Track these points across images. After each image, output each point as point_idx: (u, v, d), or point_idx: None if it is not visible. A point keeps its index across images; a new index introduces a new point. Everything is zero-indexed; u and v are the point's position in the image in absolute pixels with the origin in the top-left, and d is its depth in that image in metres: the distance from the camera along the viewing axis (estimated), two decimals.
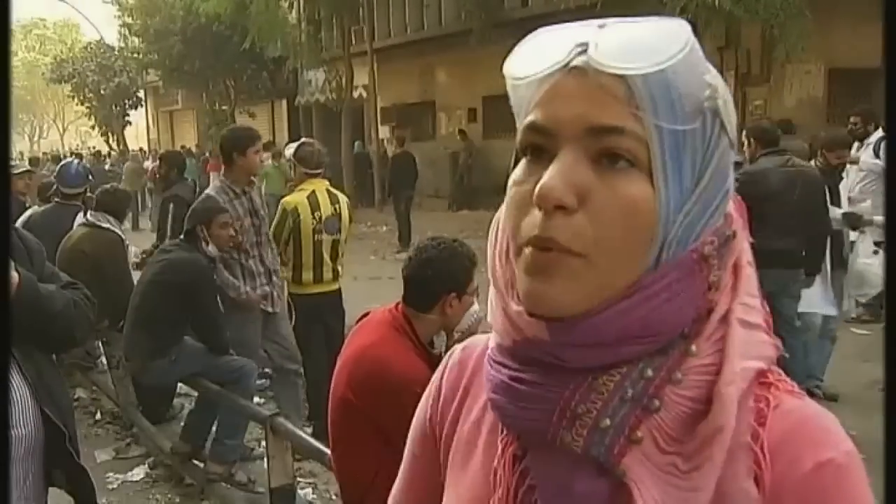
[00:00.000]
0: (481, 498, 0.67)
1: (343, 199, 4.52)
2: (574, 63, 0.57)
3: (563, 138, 0.57)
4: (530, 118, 0.60)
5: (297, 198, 4.32)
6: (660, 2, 8.98)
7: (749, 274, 0.63)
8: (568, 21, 0.61)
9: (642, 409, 0.58)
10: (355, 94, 17.30)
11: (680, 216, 0.58)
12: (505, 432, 0.66)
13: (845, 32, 9.96)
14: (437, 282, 2.03)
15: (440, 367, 0.81)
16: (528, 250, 0.58)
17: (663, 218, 0.57)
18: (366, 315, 2.18)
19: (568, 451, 0.59)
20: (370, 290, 7.84)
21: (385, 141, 17.08)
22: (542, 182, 0.56)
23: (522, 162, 0.61)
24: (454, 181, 16.10)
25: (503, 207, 0.64)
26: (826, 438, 0.59)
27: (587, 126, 0.56)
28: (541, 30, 0.61)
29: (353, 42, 17.11)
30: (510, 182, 0.61)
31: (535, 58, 0.59)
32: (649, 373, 0.58)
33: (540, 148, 0.59)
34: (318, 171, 4.41)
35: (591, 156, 0.57)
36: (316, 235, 4.27)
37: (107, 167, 18.64)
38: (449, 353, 0.81)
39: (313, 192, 4.32)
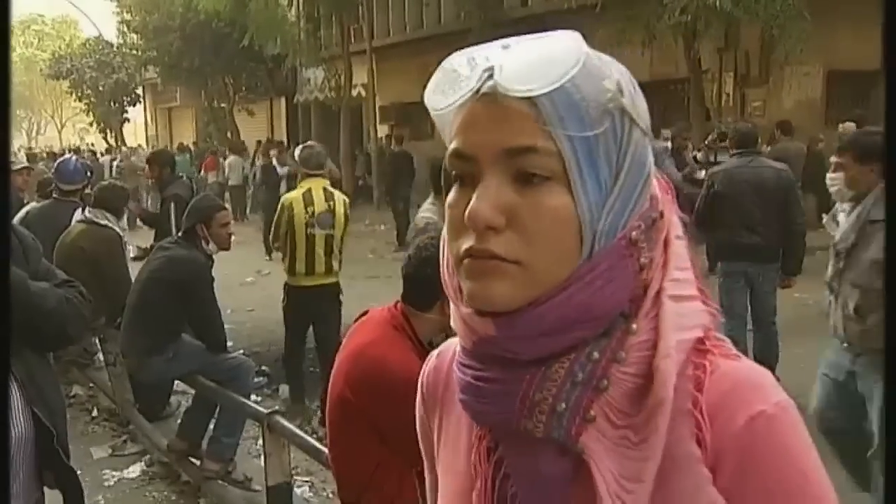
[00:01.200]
0: (466, 490, 0.72)
1: (339, 196, 4.75)
2: (483, 90, 0.62)
3: (484, 163, 0.62)
4: (453, 145, 0.65)
5: (293, 195, 4.68)
6: (660, 2, 8.99)
7: (677, 248, 0.67)
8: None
9: (593, 390, 0.63)
10: (354, 93, 17.30)
11: (604, 212, 0.63)
12: (477, 428, 0.71)
13: (844, 35, 9.97)
14: (437, 281, 2.02)
15: (420, 378, 0.85)
16: (467, 261, 0.63)
17: (587, 219, 0.62)
18: (364, 314, 2.18)
19: (532, 437, 0.64)
20: (368, 289, 7.84)
21: (383, 140, 17.07)
22: (470, 207, 0.61)
23: (454, 186, 0.66)
24: None
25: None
26: (757, 394, 0.63)
27: (501, 149, 0.61)
28: (453, 55, 0.66)
29: (353, 40, 17.10)
30: (447, 204, 0.66)
31: (448, 86, 0.65)
32: (595, 355, 0.63)
33: (466, 173, 0.64)
34: (318, 171, 4.72)
35: (512, 174, 0.62)
36: (308, 229, 4.55)
37: (117, 163, 18.32)
38: (426, 361, 0.85)
39: (309, 189, 4.64)
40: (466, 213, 0.62)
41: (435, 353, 0.85)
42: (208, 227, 3.80)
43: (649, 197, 0.66)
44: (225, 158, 17.23)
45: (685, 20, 8.94)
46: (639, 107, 0.65)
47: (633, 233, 0.64)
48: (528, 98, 0.60)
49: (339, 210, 4.67)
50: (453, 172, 0.66)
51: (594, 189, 0.62)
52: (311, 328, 4.94)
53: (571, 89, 0.60)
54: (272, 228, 4.85)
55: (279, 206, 4.72)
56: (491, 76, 0.61)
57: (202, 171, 17.70)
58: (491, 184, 0.62)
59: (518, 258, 0.61)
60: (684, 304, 0.65)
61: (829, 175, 3.11)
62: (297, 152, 5.04)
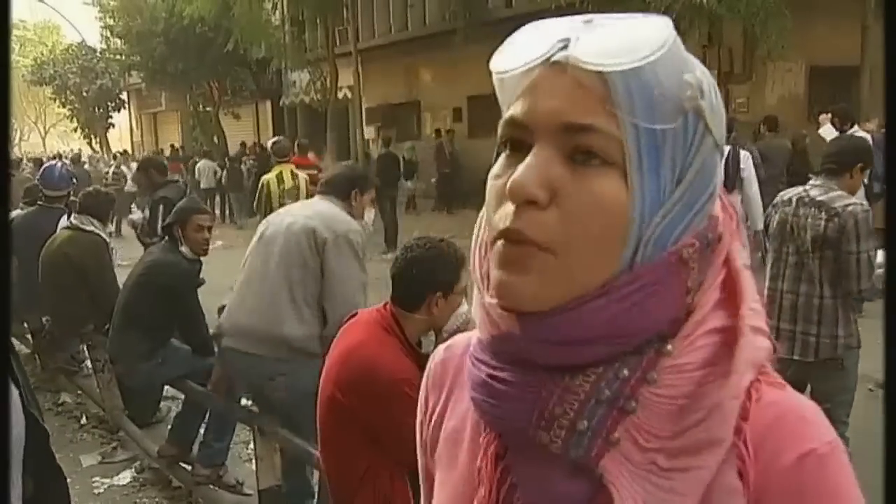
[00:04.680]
0: (467, 496, 0.67)
1: (302, 176, 6.47)
2: (555, 58, 0.57)
3: (539, 133, 0.57)
4: (510, 112, 0.60)
5: (269, 177, 6.43)
6: (643, 1, 9.03)
7: (748, 277, 0.62)
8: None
9: (619, 411, 0.57)
10: (340, 95, 17.26)
11: (657, 217, 0.57)
12: (487, 430, 0.66)
13: (824, 31, 10.07)
14: (423, 281, 2.04)
15: (426, 370, 0.80)
16: (500, 243, 0.58)
17: (637, 218, 0.56)
18: (354, 315, 2.18)
19: (547, 450, 0.59)
20: None
21: (370, 142, 17.06)
22: (514, 176, 0.57)
23: (501, 156, 0.61)
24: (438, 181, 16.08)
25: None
26: (807, 429, 0.58)
27: (561, 123, 0.56)
28: (530, 24, 0.61)
29: (338, 43, 17.05)
30: (490, 175, 0.62)
31: (519, 52, 0.59)
32: (625, 373, 0.58)
33: (518, 142, 0.59)
34: (285, 158, 6.64)
35: (566, 152, 0.57)
36: (281, 200, 6.02)
37: (112, 170, 17.98)
38: (433, 354, 0.81)
39: (280, 172, 6.36)
40: (508, 183, 0.57)
41: (443, 345, 0.80)
42: (183, 230, 3.77)
43: (709, 216, 0.60)
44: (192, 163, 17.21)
45: (670, 18, 9.00)
46: (717, 116, 0.59)
47: (686, 250, 0.58)
48: (601, 74, 0.54)
49: (302, 186, 6.31)
50: (503, 140, 0.61)
51: (652, 189, 0.56)
52: None
53: (649, 74, 0.54)
54: (255, 201, 6.54)
55: (260, 185, 6.45)
56: (566, 46, 0.56)
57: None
58: (541, 155, 0.57)
59: (553, 245, 0.56)
60: (759, 339, 0.60)
61: None
62: (268, 145, 7.32)
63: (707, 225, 0.60)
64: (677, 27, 0.59)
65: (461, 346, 0.77)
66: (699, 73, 0.58)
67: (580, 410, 0.58)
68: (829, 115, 6.57)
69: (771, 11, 8.78)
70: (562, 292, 0.57)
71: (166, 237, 3.89)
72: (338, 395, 1.98)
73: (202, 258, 3.89)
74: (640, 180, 0.56)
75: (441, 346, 0.81)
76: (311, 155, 9.11)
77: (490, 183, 0.61)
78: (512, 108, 0.60)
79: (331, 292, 2.96)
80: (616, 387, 0.57)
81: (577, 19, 0.59)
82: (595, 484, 0.58)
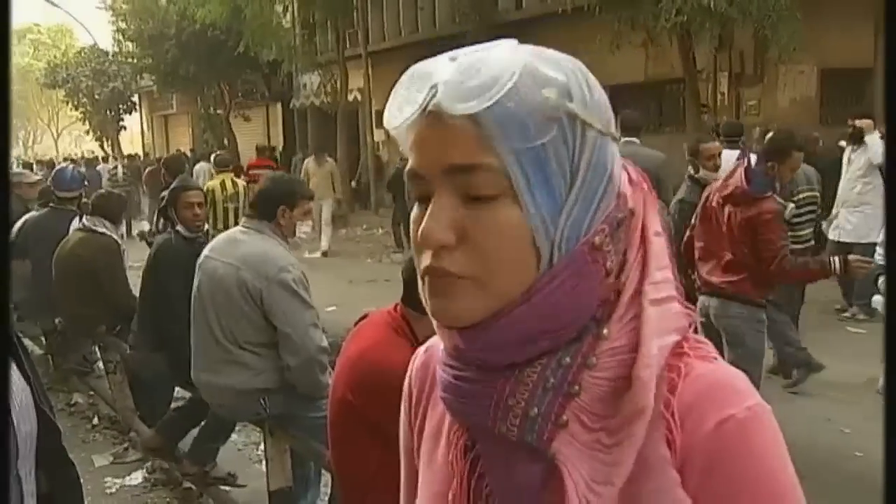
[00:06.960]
0: (445, 487, 0.73)
1: (241, 182, 7.71)
2: (429, 108, 0.62)
3: (434, 181, 0.63)
4: (408, 165, 0.66)
5: (213, 183, 7.47)
6: (655, 4, 9.01)
7: (657, 246, 0.67)
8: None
9: (564, 396, 0.63)
10: (350, 98, 17.30)
11: (560, 220, 0.62)
12: (456, 425, 0.72)
13: (836, 33, 10.00)
14: None
15: (408, 372, 0.86)
16: (427, 278, 0.65)
17: (541, 230, 0.61)
18: (364, 317, 2.19)
19: (507, 439, 0.64)
20: (368, 293, 7.86)
21: (380, 144, 17.08)
22: (421, 227, 0.63)
23: (416, 204, 0.66)
24: None
25: None
26: (729, 397, 0.63)
27: (447, 167, 0.62)
28: (409, 70, 0.65)
29: (348, 45, 17.10)
30: (411, 221, 0.67)
31: (401, 105, 0.64)
32: (566, 360, 0.63)
33: (422, 190, 0.65)
34: (227, 168, 8.07)
35: (462, 192, 0.62)
36: (224, 204, 7.23)
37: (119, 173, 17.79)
38: (414, 356, 0.86)
39: (223, 180, 7.45)
40: (419, 232, 0.63)
41: (423, 348, 0.86)
42: (176, 209, 3.81)
43: (616, 196, 0.65)
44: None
45: (681, 21, 8.97)
46: (593, 107, 0.64)
47: (597, 238, 0.63)
48: (470, 115, 0.60)
49: (241, 191, 7.37)
50: (411, 190, 0.66)
51: (547, 200, 0.61)
52: None
53: (509, 102, 0.59)
54: None
55: (205, 191, 7.21)
56: (435, 94, 0.61)
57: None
58: (440, 202, 0.62)
59: (472, 274, 0.62)
60: (664, 307, 0.64)
61: None
62: (212, 157, 9.47)
63: (615, 205, 0.65)
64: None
65: (439, 348, 0.81)
66: (562, 78, 0.62)
67: (530, 399, 0.63)
68: (872, 122, 6.45)
69: (782, 13, 8.73)
70: (489, 306, 0.62)
71: (168, 225, 3.93)
72: (349, 396, 1.99)
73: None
74: (532, 197, 0.61)
75: (421, 348, 0.86)
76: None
77: (411, 228, 0.67)
78: (410, 161, 0.65)
79: (284, 342, 2.93)
80: (560, 374, 0.63)
81: (445, 58, 0.64)
82: (549, 465, 0.64)
